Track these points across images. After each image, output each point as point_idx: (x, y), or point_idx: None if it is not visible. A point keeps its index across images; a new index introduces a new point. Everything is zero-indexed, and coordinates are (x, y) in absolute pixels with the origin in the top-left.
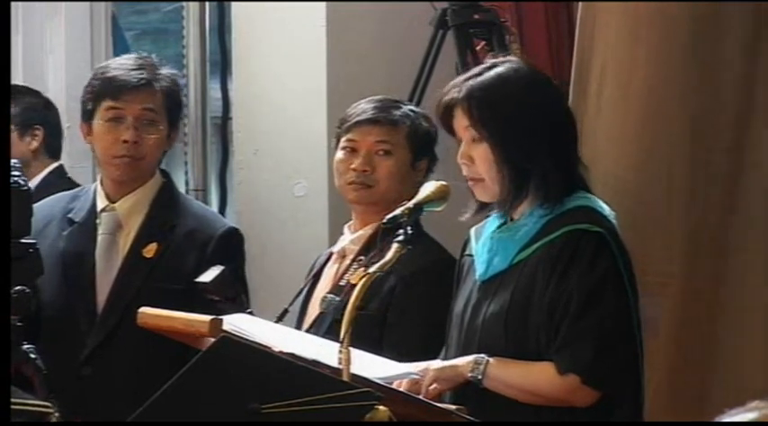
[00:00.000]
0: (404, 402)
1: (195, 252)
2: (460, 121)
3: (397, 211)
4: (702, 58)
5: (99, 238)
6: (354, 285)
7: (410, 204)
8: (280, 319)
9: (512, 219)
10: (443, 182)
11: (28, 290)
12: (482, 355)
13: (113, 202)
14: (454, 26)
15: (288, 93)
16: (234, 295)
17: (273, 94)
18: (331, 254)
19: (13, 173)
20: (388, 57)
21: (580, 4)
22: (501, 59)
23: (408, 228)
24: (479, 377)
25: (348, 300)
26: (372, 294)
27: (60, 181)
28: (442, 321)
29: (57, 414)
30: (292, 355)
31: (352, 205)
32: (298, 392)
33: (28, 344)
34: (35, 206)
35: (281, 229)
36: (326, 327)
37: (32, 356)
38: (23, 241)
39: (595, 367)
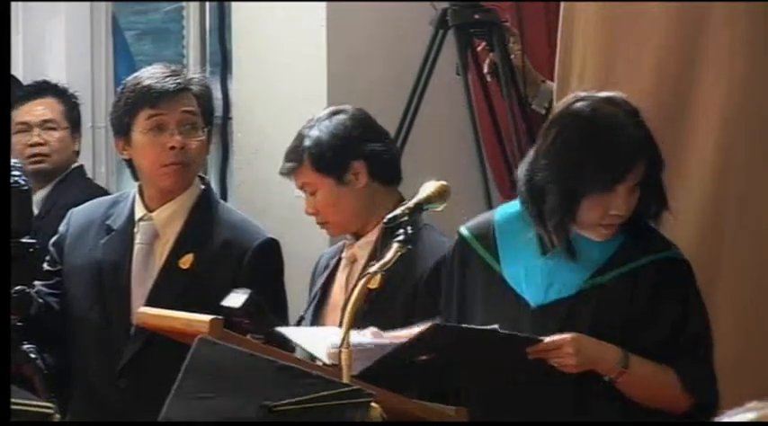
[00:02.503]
0: (401, 401)
1: (231, 264)
2: (629, 182)
3: (398, 211)
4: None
5: (136, 248)
6: (372, 290)
7: (410, 204)
8: (298, 324)
9: (550, 242)
10: (443, 182)
11: (28, 290)
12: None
13: (151, 211)
14: (454, 26)
15: (288, 93)
16: (267, 327)
17: (273, 94)
18: (339, 259)
19: (14, 173)
20: (388, 58)
21: (562, 5)
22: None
23: (408, 228)
24: (622, 368)
25: (368, 306)
26: (384, 308)
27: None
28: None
29: (57, 415)
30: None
31: None
32: (285, 392)
33: (29, 344)
34: (76, 209)
35: (281, 229)
36: None
37: (33, 356)
38: (23, 241)
39: (709, 388)
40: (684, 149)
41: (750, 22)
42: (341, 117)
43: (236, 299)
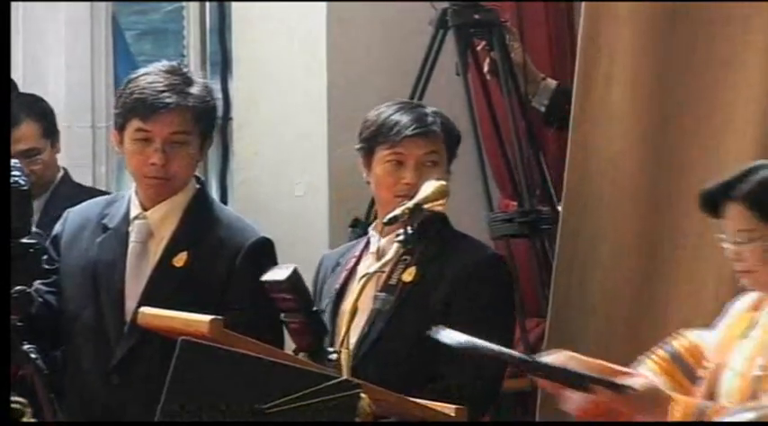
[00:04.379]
0: (400, 400)
1: (225, 262)
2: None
3: (397, 211)
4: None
5: (130, 246)
6: (408, 283)
7: (410, 204)
8: None
9: None
10: (443, 182)
11: (28, 290)
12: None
13: (146, 210)
14: (454, 26)
15: (288, 93)
16: (308, 305)
17: (274, 94)
18: (359, 256)
19: (13, 172)
20: (389, 57)
21: (582, 16)
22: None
23: (408, 228)
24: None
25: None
26: (422, 300)
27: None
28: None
29: (30, 411)
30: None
31: None
32: (273, 389)
33: (29, 344)
34: (73, 209)
35: (282, 229)
36: (383, 326)
37: (33, 356)
38: (23, 241)
39: None
40: (720, 150)
41: None
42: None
43: (279, 273)
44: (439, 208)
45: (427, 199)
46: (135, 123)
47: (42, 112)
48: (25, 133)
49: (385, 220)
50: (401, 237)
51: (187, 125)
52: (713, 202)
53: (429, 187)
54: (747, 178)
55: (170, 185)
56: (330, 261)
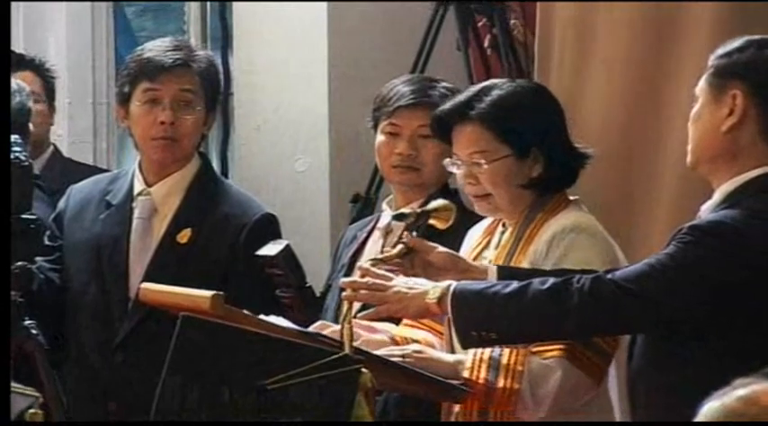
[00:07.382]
0: (404, 376)
1: (229, 239)
2: None
3: (407, 210)
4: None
5: (134, 223)
6: None
7: (419, 210)
8: (324, 295)
9: None
10: (451, 204)
11: (29, 266)
12: None
13: (150, 186)
14: (455, 2)
15: (289, 69)
16: (299, 280)
17: (274, 69)
18: (371, 230)
19: (14, 148)
20: (389, 33)
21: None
22: None
23: (414, 233)
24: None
25: None
26: None
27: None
28: None
29: (41, 400)
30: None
31: (395, 186)
32: (275, 366)
33: (30, 320)
34: (76, 186)
35: (283, 205)
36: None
37: (34, 332)
38: (24, 216)
39: None
40: (658, 142)
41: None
42: None
43: (272, 248)
44: (441, 226)
45: (433, 211)
46: (143, 85)
47: (45, 73)
48: (25, 78)
49: (394, 214)
50: (405, 240)
51: (194, 84)
52: (445, 125)
53: (438, 202)
54: (482, 97)
55: (177, 148)
56: (350, 233)
